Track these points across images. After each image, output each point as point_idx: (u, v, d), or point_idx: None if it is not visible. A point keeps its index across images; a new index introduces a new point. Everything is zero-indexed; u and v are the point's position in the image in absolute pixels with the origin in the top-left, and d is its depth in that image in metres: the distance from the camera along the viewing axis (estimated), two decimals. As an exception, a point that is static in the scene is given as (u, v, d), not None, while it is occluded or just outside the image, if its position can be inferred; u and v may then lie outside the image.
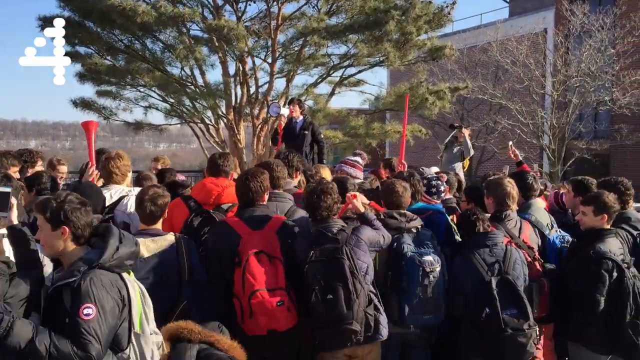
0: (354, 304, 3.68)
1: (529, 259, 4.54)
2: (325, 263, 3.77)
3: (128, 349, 2.90)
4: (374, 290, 3.97)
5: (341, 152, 16.74)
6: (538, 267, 4.59)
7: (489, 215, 4.74)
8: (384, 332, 3.93)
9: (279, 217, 4.17)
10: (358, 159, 6.56)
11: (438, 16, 14.45)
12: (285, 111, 8.23)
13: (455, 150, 9.86)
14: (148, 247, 3.66)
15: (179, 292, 3.67)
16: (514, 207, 4.78)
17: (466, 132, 9.93)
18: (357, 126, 15.01)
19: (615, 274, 4.35)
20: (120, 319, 2.88)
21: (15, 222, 3.08)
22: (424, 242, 4.31)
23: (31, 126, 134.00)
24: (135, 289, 3.00)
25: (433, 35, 15.20)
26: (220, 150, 15.55)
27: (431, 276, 4.16)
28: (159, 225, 3.89)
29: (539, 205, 5.20)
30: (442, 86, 15.43)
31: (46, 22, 13.57)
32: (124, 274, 3.00)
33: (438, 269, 4.20)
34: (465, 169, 9.34)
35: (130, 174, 4.99)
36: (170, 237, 3.80)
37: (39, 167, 5.61)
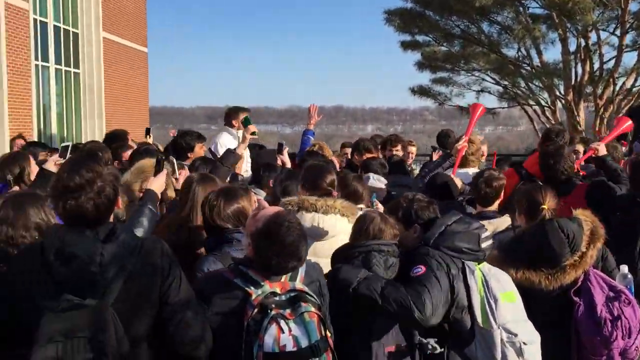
0: None
1: None
2: None
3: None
4: None
5: None
6: None
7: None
8: None
9: None
10: None
11: None
12: None
13: None
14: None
15: None
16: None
17: None
18: None
19: None
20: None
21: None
22: None
23: (368, 112, 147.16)
24: (477, 278, 2.86)
25: None
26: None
27: None
28: (494, 207, 3.86)
29: None
30: None
31: (391, 14, 14.80)
32: (467, 262, 2.89)
33: None
34: None
35: None
36: (507, 219, 3.76)
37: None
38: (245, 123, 5.02)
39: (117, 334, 1.90)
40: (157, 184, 3.22)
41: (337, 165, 5.37)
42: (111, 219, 2.13)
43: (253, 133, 4.92)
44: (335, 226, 3.20)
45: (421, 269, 2.73)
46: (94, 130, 16.72)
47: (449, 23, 14.86)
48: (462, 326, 2.80)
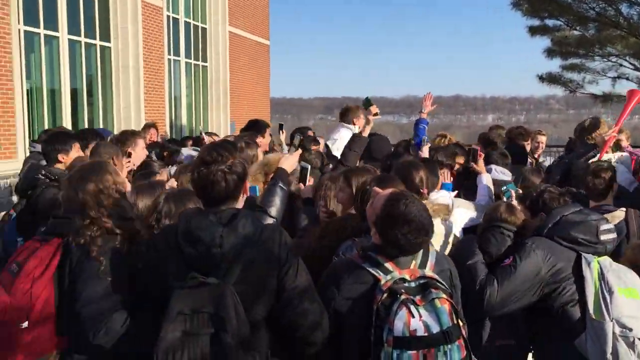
0: None
1: None
2: None
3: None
4: None
5: None
6: None
7: None
8: None
9: None
10: None
11: None
12: None
13: None
14: None
15: None
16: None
17: None
18: None
19: None
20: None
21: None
22: None
23: (488, 101, 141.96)
24: (594, 270, 2.77)
25: None
26: None
27: None
28: (608, 201, 3.63)
29: None
30: None
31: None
32: (584, 254, 2.81)
33: None
34: None
35: None
36: (619, 214, 3.50)
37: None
38: (367, 104, 4.94)
39: (238, 313, 1.97)
40: (289, 162, 3.35)
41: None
42: (239, 205, 2.20)
43: (375, 114, 4.85)
44: None
45: (508, 261, 2.81)
46: (219, 121, 17.53)
47: (582, 6, 13.88)
48: (571, 317, 2.76)
